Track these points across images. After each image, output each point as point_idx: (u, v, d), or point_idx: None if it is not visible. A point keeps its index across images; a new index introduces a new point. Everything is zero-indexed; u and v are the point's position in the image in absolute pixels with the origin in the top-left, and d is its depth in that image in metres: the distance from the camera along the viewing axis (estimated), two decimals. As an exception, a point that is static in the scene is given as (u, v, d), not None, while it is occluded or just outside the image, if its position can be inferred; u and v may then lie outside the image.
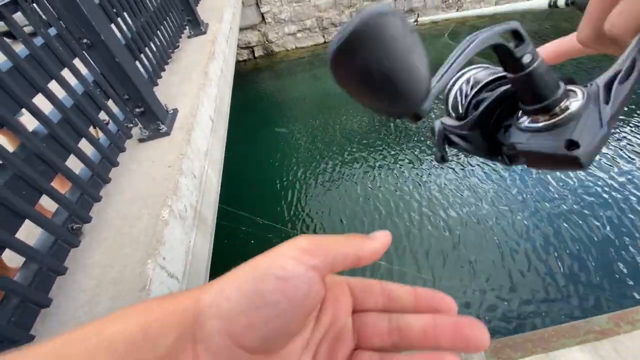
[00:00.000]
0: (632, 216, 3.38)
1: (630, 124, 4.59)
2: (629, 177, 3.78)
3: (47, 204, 1.40)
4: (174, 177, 1.61)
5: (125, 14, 2.29)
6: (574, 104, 0.24)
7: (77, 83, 1.60)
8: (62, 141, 1.37)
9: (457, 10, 7.92)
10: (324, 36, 8.25)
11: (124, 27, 2.23)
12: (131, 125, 1.94)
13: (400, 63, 0.15)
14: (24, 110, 1.28)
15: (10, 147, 1.69)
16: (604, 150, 4.23)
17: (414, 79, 0.16)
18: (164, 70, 2.62)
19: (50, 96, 1.38)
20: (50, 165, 1.28)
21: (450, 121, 0.31)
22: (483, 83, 0.29)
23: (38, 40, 1.42)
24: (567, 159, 0.21)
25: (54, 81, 1.46)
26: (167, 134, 1.90)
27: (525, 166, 0.27)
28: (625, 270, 3.00)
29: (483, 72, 0.30)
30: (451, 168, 4.50)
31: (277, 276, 0.22)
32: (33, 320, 1.09)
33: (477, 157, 0.30)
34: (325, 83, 7.29)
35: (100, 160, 1.61)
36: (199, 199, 1.80)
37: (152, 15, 2.69)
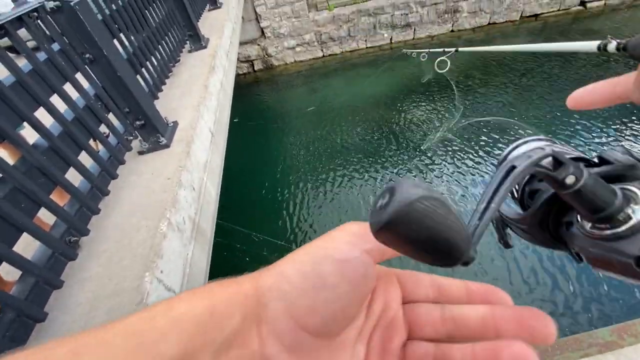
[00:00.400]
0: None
1: None
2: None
3: (45, 216, 1.40)
4: (173, 189, 1.62)
5: (127, 29, 2.34)
6: (638, 212, 0.21)
7: (78, 97, 1.62)
8: (62, 154, 1.38)
9: (453, 25, 8.10)
10: (322, 50, 8.40)
11: (126, 42, 2.27)
12: (131, 137, 1.95)
13: (439, 231, 0.16)
14: (25, 123, 1.29)
15: (10, 160, 1.70)
16: None
17: (453, 238, 0.17)
18: (164, 83, 2.66)
19: (52, 110, 1.40)
20: (50, 178, 1.29)
21: (507, 209, 0.29)
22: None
23: (41, 55, 1.45)
24: (639, 275, 0.19)
25: (55, 94, 1.48)
26: (166, 146, 1.92)
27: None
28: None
29: (538, 152, 0.29)
30: (455, 180, 4.52)
31: (336, 259, 0.22)
32: (28, 334, 1.08)
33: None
34: (323, 95, 7.39)
35: (100, 173, 1.62)
36: (197, 211, 1.80)
37: (154, 31, 2.75)
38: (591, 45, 0.42)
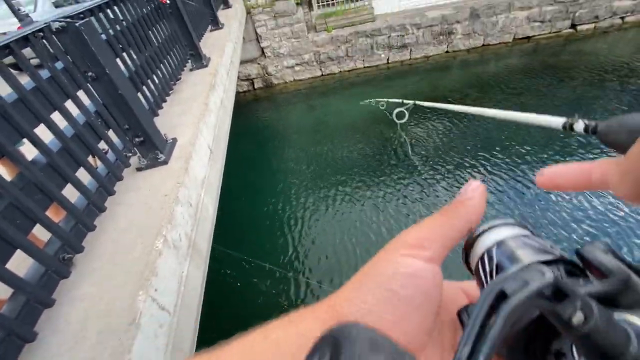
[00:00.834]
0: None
1: None
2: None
3: (39, 231, 1.38)
4: (170, 205, 1.61)
5: (130, 48, 2.40)
6: None
7: (79, 113, 1.64)
8: (60, 170, 1.39)
9: (448, 46, 8.34)
10: (321, 69, 8.58)
11: (129, 61, 2.32)
12: (130, 154, 1.96)
13: None
14: (24, 139, 1.30)
15: (7, 175, 1.70)
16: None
17: None
18: (165, 101, 2.70)
19: (52, 127, 1.41)
20: (46, 195, 1.29)
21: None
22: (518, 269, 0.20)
23: (44, 73, 1.47)
24: None
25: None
26: (165, 162, 1.92)
27: None
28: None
29: (521, 242, 0.24)
30: (451, 192, 4.52)
31: (403, 273, 0.22)
32: (17, 355, 1.05)
33: None
34: (321, 113, 7.50)
35: (97, 189, 1.61)
36: (194, 228, 1.78)
37: (157, 50, 2.81)
38: (556, 122, 0.40)
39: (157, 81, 2.65)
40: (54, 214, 1.61)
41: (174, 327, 1.34)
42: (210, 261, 1.96)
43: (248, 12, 7.78)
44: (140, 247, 1.42)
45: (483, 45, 8.42)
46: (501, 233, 0.25)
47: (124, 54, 2.30)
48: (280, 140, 6.92)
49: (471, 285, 0.28)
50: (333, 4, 8.40)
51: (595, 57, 7.34)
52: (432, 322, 0.23)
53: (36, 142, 1.30)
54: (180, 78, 3.16)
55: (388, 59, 8.48)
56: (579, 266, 0.21)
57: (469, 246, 0.26)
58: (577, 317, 0.16)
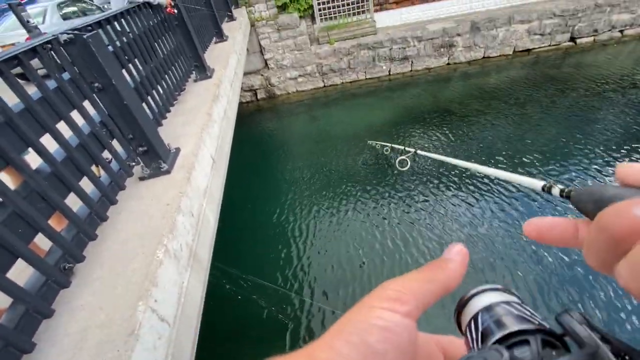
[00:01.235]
0: None
1: None
2: None
3: (40, 239, 1.38)
4: (172, 215, 1.61)
5: (136, 60, 2.44)
6: None
7: (84, 123, 1.66)
8: (64, 180, 1.39)
9: (449, 58, 8.44)
10: (323, 80, 8.69)
11: (135, 73, 2.36)
12: (133, 163, 1.98)
13: None
14: (29, 148, 1.32)
15: (11, 184, 1.71)
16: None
17: None
18: (169, 111, 2.73)
19: (58, 136, 1.42)
20: (49, 204, 1.29)
21: None
22: (507, 332, 0.23)
23: (51, 83, 1.50)
24: None
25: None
26: (167, 172, 1.93)
27: None
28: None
29: (506, 310, 0.25)
30: (458, 207, 4.50)
31: (380, 327, 0.23)
32: (12, 367, 1.03)
33: None
34: (324, 124, 7.55)
35: (100, 199, 1.62)
36: (195, 238, 1.78)
37: (162, 62, 2.86)
38: (537, 184, 0.44)
39: (161, 92, 2.69)
40: (56, 223, 1.61)
41: (173, 338, 1.32)
42: (210, 273, 1.94)
43: (252, 25, 7.93)
44: (141, 256, 1.41)
45: (484, 57, 8.52)
46: (490, 298, 0.26)
47: (130, 65, 2.34)
48: (282, 151, 6.95)
49: (448, 341, 0.30)
50: (335, 17, 8.56)
51: (596, 69, 7.40)
52: None
53: (41, 151, 1.31)
54: (184, 89, 3.20)
55: (390, 71, 8.58)
56: (555, 334, 0.23)
57: (461, 306, 0.27)
58: None
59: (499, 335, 0.23)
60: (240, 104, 7.63)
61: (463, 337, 0.27)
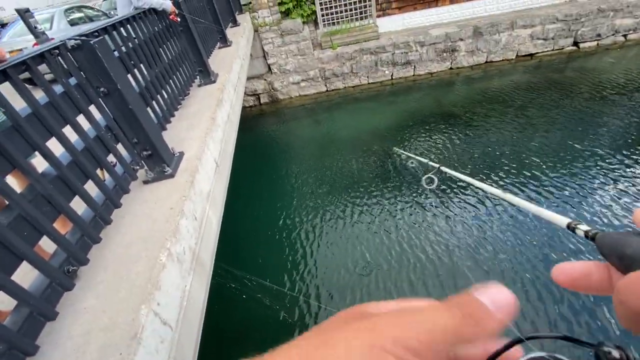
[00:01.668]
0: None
1: None
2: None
3: (44, 242, 1.39)
4: (175, 219, 1.62)
5: (141, 65, 2.47)
6: None
7: (90, 127, 1.68)
8: (69, 183, 1.41)
9: (451, 63, 8.46)
10: (326, 85, 8.72)
11: (140, 77, 2.38)
12: (137, 167, 1.99)
13: None
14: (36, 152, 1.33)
15: (17, 187, 1.73)
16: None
17: None
18: (173, 115, 2.75)
19: (64, 140, 1.44)
20: (55, 207, 1.30)
21: None
22: None
23: (58, 88, 1.52)
24: None
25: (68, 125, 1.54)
26: (171, 176, 1.95)
27: None
28: None
29: None
30: (461, 216, 4.48)
31: None
32: (16, 370, 1.03)
33: None
34: (326, 128, 7.57)
35: (104, 202, 1.63)
36: (198, 242, 1.78)
37: (167, 67, 2.89)
38: (562, 221, 0.43)
39: (166, 96, 2.72)
40: (61, 226, 1.62)
41: (175, 342, 1.32)
42: (215, 274, 1.94)
43: (256, 30, 8.00)
44: (145, 260, 1.42)
45: (486, 62, 8.52)
46: None
47: (135, 70, 2.36)
48: (285, 154, 6.97)
49: None
50: (338, 22, 8.62)
51: (599, 73, 7.38)
52: None
53: (47, 155, 1.33)
54: (188, 93, 3.23)
55: (392, 75, 8.61)
56: None
57: None
58: None
59: None
60: (244, 108, 7.67)
61: None
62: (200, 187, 2.00)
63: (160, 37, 2.93)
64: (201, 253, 1.78)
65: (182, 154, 2.16)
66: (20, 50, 5.94)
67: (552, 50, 8.43)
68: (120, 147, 1.89)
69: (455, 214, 4.41)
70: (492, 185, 0.88)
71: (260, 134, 7.89)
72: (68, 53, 1.58)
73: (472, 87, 7.95)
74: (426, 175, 3.28)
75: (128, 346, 1.10)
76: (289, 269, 4.12)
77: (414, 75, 8.62)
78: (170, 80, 2.91)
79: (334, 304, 3.54)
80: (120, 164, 1.87)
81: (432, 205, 4.62)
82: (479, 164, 5.27)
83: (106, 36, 1.92)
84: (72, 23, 6.92)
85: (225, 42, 5.29)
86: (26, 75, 1.39)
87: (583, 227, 0.32)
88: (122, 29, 2.31)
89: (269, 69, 8.53)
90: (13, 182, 1.82)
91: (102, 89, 1.72)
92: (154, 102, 2.48)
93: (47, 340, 1.15)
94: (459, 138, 6.10)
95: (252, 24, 7.93)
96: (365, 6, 8.45)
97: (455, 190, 4.81)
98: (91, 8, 8.14)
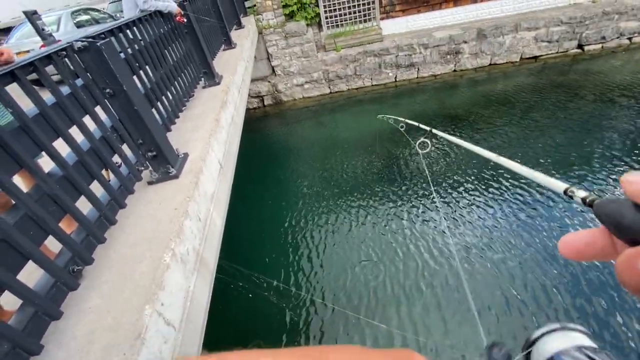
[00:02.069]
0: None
1: None
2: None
3: (49, 242, 1.40)
4: (179, 219, 1.62)
5: (147, 67, 2.49)
6: None
7: (95, 128, 1.69)
8: (75, 183, 1.42)
9: (455, 65, 8.44)
10: (329, 87, 8.74)
11: (145, 79, 2.40)
12: (142, 168, 2.00)
13: None
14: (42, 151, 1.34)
15: (24, 186, 1.74)
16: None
17: None
18: (178, 117, 2.77)
19: (70, 140, 1.45)
20: (61, 206, 1.31)
21: None
22: None
23: (64, 89, 1.53)
24: None
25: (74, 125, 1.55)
26: (176, 177, 1.95)
27: None
28: None
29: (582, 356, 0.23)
30: (460, 220, 4.46)
31: None
32: (20, 369, 1.04)
33: None
34: (330, 129, 7.58)
35: (109, 202, 1.64)
36: (202, 242, 1.79)
37: (172, 68, 2.91)
38: (560, 186, 0.42)
39: (171, 98, 2.73)
40: (66, 225, 1.63)
41: (179, 342, 1.32)
42: (220, 274, 1.95)
43: (260, 33, 8.04)
44: (149, 260, 1.42)
45: (490, 64, 8.50)
46: (566, 339, 0.24)
47: (141, 72, 2.38)
48: (289, 156, 6.98)
49: None
50: (342, 25, 8.64)
51: (604, 76, 7.33)
52: None
53: (54, 155, 1.34)
54: (193, 95, 3.25)
55: (396, 78, 8.61)
56: None
57: (529, 346, 0.25)
58: None
59: None
60: (247, 109, 7.70)
61: None
62: (204, 188, 2.00)
63: (166, 39, 2.95)
64: (205, 254, 1.78)
65: (186, 155, 2.17)
66: (28, 51, 6.00)
67: (557, 52, 8.39)
68: (125, 147, 1.90)
69: (462, 215, 4.39)
70: (483, 149, 0.86)
71: (264, 135, 7.92)
72: (75, 54, 1.60)
73: (476, 89, 7.93)
74: (419, 141, 3.25)
75: (131, 346, 1.10)
76: (294, 268, 4.12)
77: (417, 77, 8.62)
78: (175, 82, 2.93)
79: (341, 303, 3.53)
80: (125, 165, 1.87)
81: (438, 208, 4.60)
82: (482, 166, 5.25)
83: (112, 38, 1.93)
84: (79, 25, 7.00)
85: (229, 44, 5.32)
86: (33, 76, 1.40)
87: (580, 194, 0.32)
88: (128, 31, 2.33)
89: (273, 71, 8.56)
90: (20, 181, 1.84)
91: (108, 90, 1.73)
92: (159, 104, 2.50)
93: (52, 340, 1.16)
94: (464, 139, 6.07)
95: (256, 26, 7.97)
96: (368, 9, 8.47)
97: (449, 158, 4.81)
98: (97, 10, 8.23)
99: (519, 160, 0.75)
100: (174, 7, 3.10)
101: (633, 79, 7.00)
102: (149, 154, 1.91)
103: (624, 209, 0.22)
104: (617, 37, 8.20)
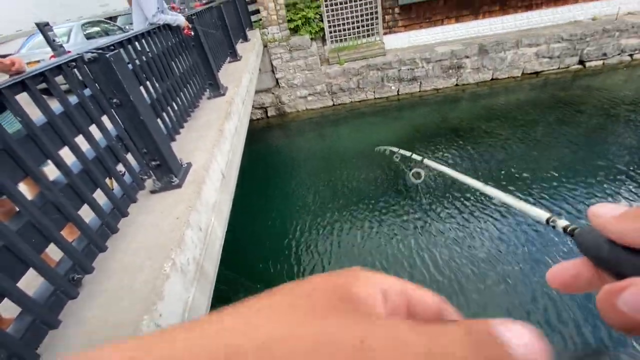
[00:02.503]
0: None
1: None
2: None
3: (49, 249, 1.40)
4: (181, 229, 1.62)
5: (154, 78, 2.54)
6: None
7: (101, 137, 1.72)
8: (79, 191, 1.43)
9: (457, 79, 8.53)
10: (332, 99, 8.83)
11: (152, 90, 2.44)
12: (145, 177, 2.02)
13: None
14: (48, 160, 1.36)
15: (28, 193, 1.75)
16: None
17: None
18: (182, 127, 2.80)
19: (76, 149, 1.47)
20: (64, 215, 1.32)
21: None
22: None
23: (72, 99, 1.56)
24: None
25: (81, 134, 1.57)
26: (179, 186, 1.96)
27: None
28: None
29: None
30: (464, 231, 4.43)
31: None
32: (16, 379, 1.03)
33: None
34: (333, 141, 7.62)
35: (112, 211, 1.65)
36: (202, 252, 1.78)
37: (178, 80, 2.96)
38: (542, 215, 0.42)
39: (176, 108, 2.77)
40: (68, 233, 1.64)
41: (177, 355, 1.30)
42: (218, 284, 1.93)
43: (265, 46, 8.20)
44: (149, 269, 1.42)
45: (492, 79, 8.58)
46: None
47: (148, 82, 2.43)
48: (291, 166, 7.01)
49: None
50: (346, 39, 8.80)
51: (606, 92, 7.37)
52: None
53: (59, 164, 1.35)
54: (198, 105, 3.30)
55: (398, 91, 8.69)
56: None
57: None
58: None
59: None
60: (251, 120, 7.77)
61: None
62: (206, 198, 2.01)
63: (173, 51, 3.01)
64: (205, 264, 1.77)
65: (189, 164, 2.19)
66: (38, 61, 6.14)
67: (558, 68, 8.48)
68: (129, 156, 1.92)
69: (465, 225, 4.36)
70: (472, 178, 0.86)
71: (267, 146, 7.97)
72: (84, 65, 1.64)
73: (478, 103, 7.98)
74: (412, 170, 3.22)
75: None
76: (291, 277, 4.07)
77: (420, 91, 8.70)
78: (181, 93, 2.98)
79: None
80: (129, 174, 1.89)
81: (443, 220, 4.58)
82: (484, 179, 5.23)
83: (121, 50, 1.98)
84: (89, 37, 7.17)
85: (235, 56, 5.42)
86: (42, 85, 1.43)
87: (562, 223, 0.32)
88: (137, 43, 2.39)
89: (277, 83, 8.69)
90: (24, 188, 1.85)
91: (115, 100, 1.76)
92: (164, 114, 2.54)
93: (48, 349, 1.15)
94: (464, 154, 6.09)
95: (261, 39, 8.13)
96: (372, 24, 8.64)
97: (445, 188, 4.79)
98: (107, 22, 8.44)
99: (504, 189, 0.76)
100: (182, 21, 3.18)
101: (636, 95, 7.03)
102: (153, 163, 1.93)
103: (600, 241, 0.22)
104: (618, 54, 8.28)
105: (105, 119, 1.77)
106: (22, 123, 1.24)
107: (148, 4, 3.04)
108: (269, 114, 9.04)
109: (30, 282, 1.22)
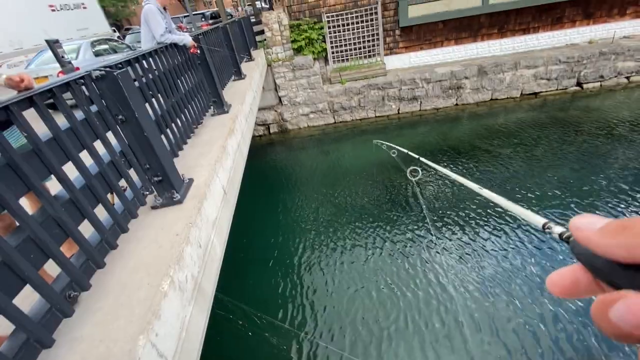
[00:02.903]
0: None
1: (641, 210, 4.51)
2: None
3: (46, 265, 1.38)
4: (180, 245, 1.61)
5: (159, 95, 2.58)
6: None
7: (105, 153, 1.73)
8: (80, 206, 1.42)
9: (457, 99, 8.67)
10: (334, 117, 8.95)
11: (157, 106, 2.48)
12: (147, 192, 2.02)
13: None
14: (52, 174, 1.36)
15: (29, 208, 1.75)
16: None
17: None
18: (186, 143, 2.83)
19: (80, 165, 1.48)
20: (64, 230, 1.31)
21: None
22: None
23: (79, 114, 1.58)
24: None
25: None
26: (180, 202, 1.96)
27: None
28: None
29: None
30: (465, 249, 4.38)
31: None
32: (4, 401, 0.99)
33: None
34: (333, 158, 7.66)
35: (112, 226, 1.64)
36: (200, 270, 1.76)
37: (182, 97, 3.02)
38: (538, 220, 0.43)
39: (180, 125, 2.81)
40: (67, 249, 1.62)
41: (171, 377, 1.26)
42: (216, 306, 1.89)
43: (269, 65, 8.39)
44: (147, 287, 1.40)
45: (491, 99, 8.72)
46: None
47: (153, 99, 2.47)
48: (292, 183, 7.01)
49: None
50: (347, 60, 9.01)
51: (604, 113, 7.46)
52: None
53: (62, 179, 1.36)
54: (202, 122, 3.34)
55: (399, 110, 8.82)
56: None
57: None
58: None
59: None
60: (253, 137, 7.85)
61: None
62: (207, 214, 2.00)
63: (179, 69, 3.08)
64: (203, 282, 1.74)
65: (191, 180, 2.19)
66: (46, 77, 6.28)
67: (556, 90, 8.62)
68: (131, 171, 1.93)
69: (467, 243, 4.31)
70: (468, 180, 0.86)
71: (269, 162, 8.01)
72: (92, 82, 1.67)
73: (478, 123, 8.07)
74: (411, 168, 3.24)
75: (122, 380, 1.05)
76: (295, 304, 3.99)
77: (420, 110, 8.82)
78: (186, 110, 3.02)
79: (343, 346, 3.35)
80: (130, 189, 1.89)
81: (446, 237, 4.53)
82: (482, 199, 5.22)
83: (129, 67, 2.02)
84: (97, 54, 7.35)
85: (239, 75, 5.54)
86: (49, 100, 1.45)
87: (558, 229, 0.32)
88: (144, 61, 2.45)
89: (280, 100, 8.83)
90: (24, 202, 1.85)
91: (120, 117, 1.79)
92: (168, 130, 2.56)
93: (40, 370, 1.11)
94: (464, 172, 6.10)
95: (266, 59, 8.33)
96: (373, 45, 8.87)
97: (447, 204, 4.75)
98: (116, 41, 8.68)
99: (499, 193, 0.75)
100: (188, 40, 3.27)
101: (633, 116, 7.11)
102: (155, 178, 1.93)
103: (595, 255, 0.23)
104: (615, 76, 8.43)
105: (109, 134, 1.79)
106: (27, 139, 1.26)
107: (156, 25, 3.14)
108: (272, 131, 9.14)
109: (25, 297, 1.20)
